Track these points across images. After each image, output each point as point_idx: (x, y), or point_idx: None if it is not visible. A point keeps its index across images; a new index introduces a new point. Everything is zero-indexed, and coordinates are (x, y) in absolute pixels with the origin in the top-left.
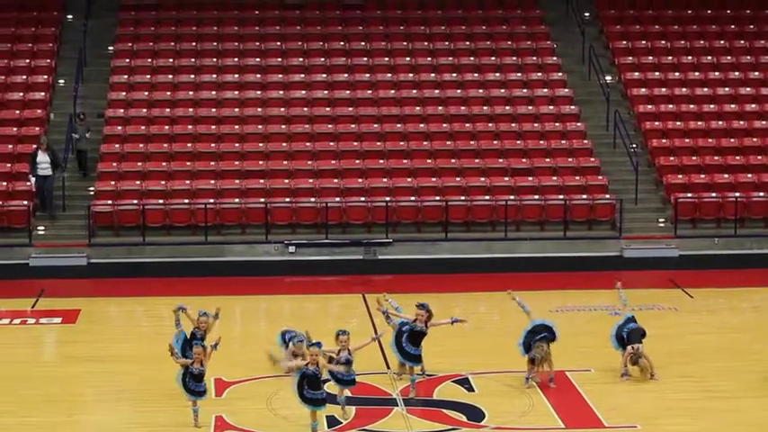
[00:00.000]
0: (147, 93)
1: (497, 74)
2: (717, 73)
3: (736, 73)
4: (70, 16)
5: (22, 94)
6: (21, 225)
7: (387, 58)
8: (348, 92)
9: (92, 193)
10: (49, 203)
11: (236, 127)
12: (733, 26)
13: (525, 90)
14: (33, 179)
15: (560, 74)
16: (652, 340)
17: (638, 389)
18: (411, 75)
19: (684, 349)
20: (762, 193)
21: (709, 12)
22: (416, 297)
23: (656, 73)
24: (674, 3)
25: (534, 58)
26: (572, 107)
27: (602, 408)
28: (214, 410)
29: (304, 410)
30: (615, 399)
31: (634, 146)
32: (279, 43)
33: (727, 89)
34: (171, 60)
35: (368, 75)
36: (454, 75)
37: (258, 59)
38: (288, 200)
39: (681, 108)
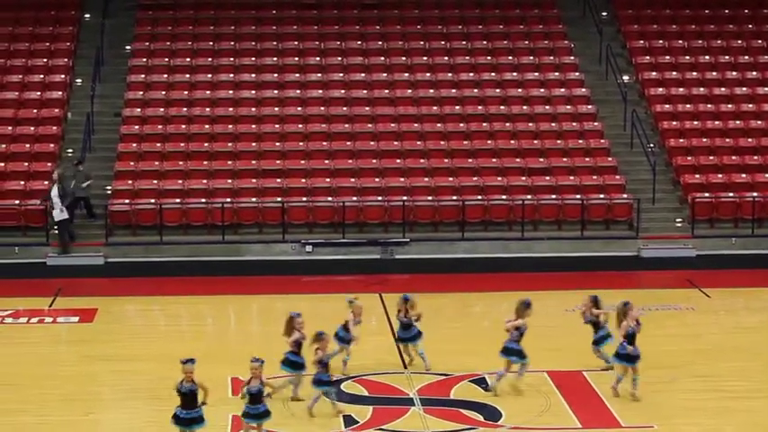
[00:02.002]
0: (164, 92)
1: (514, 73)
2: (734, 72)
3: (754, 72)
4: (88, 15)
5: (39, 93)
6: (38, 224)
7: (404, 58)
8: (365, 91)
9: (109, 192)
10: (64, 241)
11: (253, 126)
12: (750, 25)
13: (542, 89)
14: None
15: (577, 73)
16: (669, 340)
17: (654, 389)
18: (428, 74)
19: (701, 349)
20: None
21: (726, 11)
22: (433, 296)
23: (674, 72)
24: (691, 2)
25: (551, 57)
26: (589, 107)
27: (618, 407)
28: (231, 410)
29: (321, 409)
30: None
31: (651, 145)
32: (296, 43)
33: (744, 89)
34: (188, 60)
35: (385, 74)
36: (471, 74)
37: (275, 59)
38: (305, 199)
39: (698, 108)
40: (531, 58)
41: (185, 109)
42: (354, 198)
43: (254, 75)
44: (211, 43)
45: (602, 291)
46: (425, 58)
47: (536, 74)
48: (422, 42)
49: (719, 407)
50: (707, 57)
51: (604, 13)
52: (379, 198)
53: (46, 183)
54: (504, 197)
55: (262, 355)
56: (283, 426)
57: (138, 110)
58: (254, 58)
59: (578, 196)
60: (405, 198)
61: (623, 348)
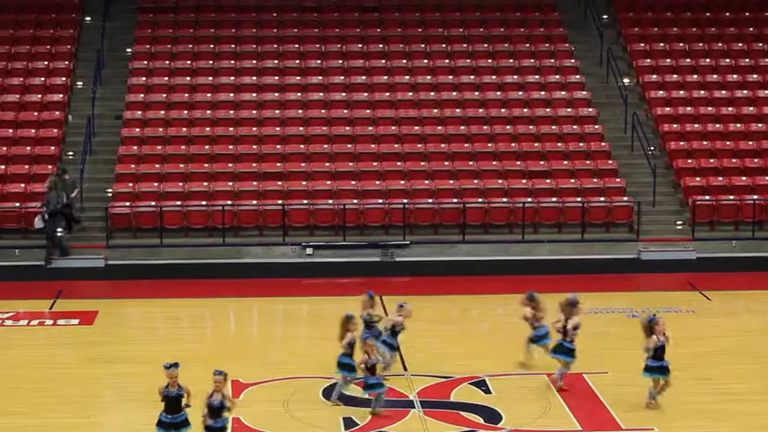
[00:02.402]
0: (164, 95)
1: (515, 76)
2: (735, 75)
3: (755, 75)
4: (88, 18)
5: (40, 96)
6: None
7: (404, 61)
8: (366, 94)
9: (110, 194)
10: (61, 246)
11: (254, 129)
12: (751, 28)
13: (543, 92)
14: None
15: (578, 76)
16: (670, 342)
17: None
18: (429, 77)
19: (702, 352)
20: None
21: (727, 14)
22: (434, 299)
23: (674, 75)
24: (692, 5)
25: (552, 60)
26: (590, 109)
27: (619, 410)
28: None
29: (321, 412)
30: (633, 401)
31: (652, 148)
32: (297, 45)
33: (745, 92)
34: (189, 62)
35: (386, 77)
36: (472, 77)
37: (276, 62)
38: (305, 202)
39: (699, 110)
40: (532, 60)
41: (186, 111)
42: (355, 201)
43: (254, 77)
44: (212, 46)
45: (602, 293)
46: (426, 60)
47: (537, 76)
48: (422, 45)
49: (722, 409)
50: (708, 59)
51: (605, 16)
52: (380, 201)
53: (46, 186)
54: (504, 200)
55: (261, 358)
56: (283, 429)
57: (139, 112)
58: (254, 61)
59: (579, 199)
60: (405, 201)
61: (652, 362)
